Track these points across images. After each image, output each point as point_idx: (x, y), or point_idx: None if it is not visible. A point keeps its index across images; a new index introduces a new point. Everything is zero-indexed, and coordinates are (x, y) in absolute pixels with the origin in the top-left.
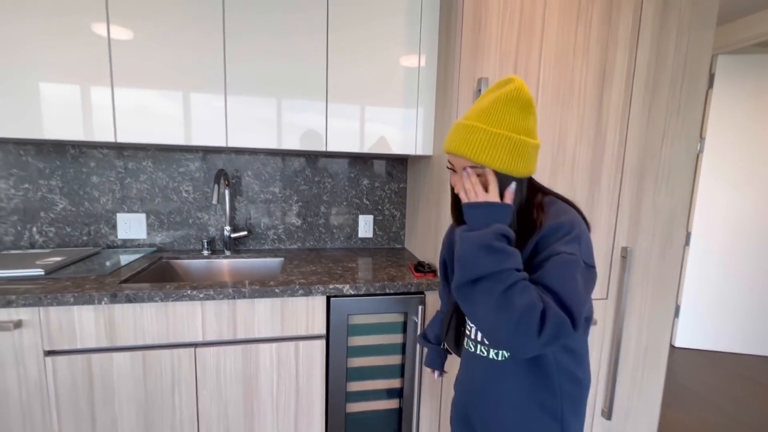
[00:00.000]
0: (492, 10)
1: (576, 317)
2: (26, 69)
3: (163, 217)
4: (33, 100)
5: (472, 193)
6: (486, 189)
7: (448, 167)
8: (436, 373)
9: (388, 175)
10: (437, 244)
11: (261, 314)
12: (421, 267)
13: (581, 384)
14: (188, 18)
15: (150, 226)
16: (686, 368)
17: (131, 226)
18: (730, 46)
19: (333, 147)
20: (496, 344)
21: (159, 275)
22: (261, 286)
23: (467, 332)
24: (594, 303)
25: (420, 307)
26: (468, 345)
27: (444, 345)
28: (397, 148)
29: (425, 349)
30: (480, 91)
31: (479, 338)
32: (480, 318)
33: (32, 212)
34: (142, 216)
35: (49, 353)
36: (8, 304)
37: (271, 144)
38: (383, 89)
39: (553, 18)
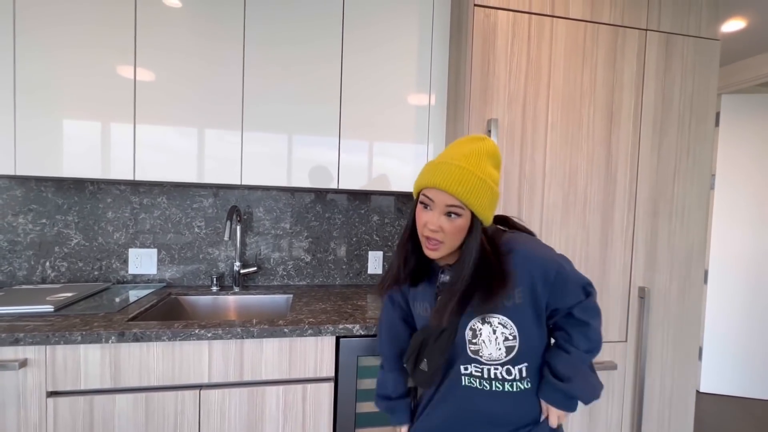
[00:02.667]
0: (500, 55)
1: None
2: (52, 108)
3: (174, 252)
4: (57, 138)
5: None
6: (461, 230)
7: (421, 201)
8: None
9: (397, 211)
10: None
11: (269, 355)
12: None
13: None
14: (209, 52)
15: (161, 261)
16: (714, 416)
17: (142, 261)
18: (734, 86)
19: (345, 184)
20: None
21: (167, 312)
22: (270, 326)
23: (475, 375)
24: (612, 346)
25: None
26: (481, 385)
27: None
28: (407, 185)
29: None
30: (490, 131)
31: (495, 376)
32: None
33: (47, 247)
34: (154, 251)
35: (52, 394)
36: (16, 342)
37: (285, 182)
38: (394, 126)
39: (559, 62)
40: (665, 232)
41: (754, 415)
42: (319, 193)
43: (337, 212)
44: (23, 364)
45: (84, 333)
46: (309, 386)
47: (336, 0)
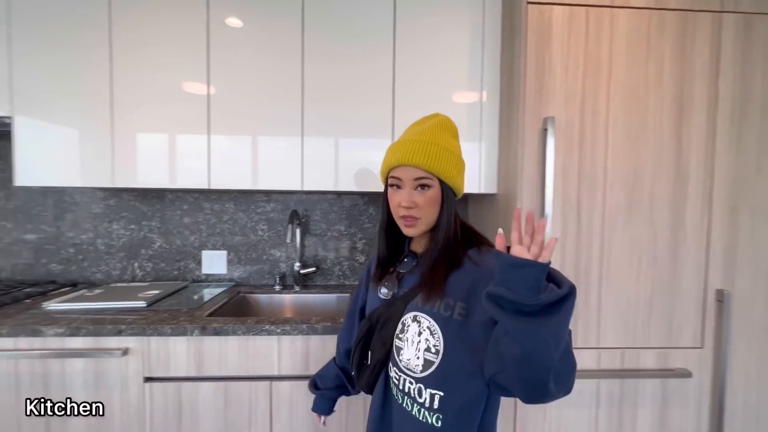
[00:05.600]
0: (555, 53)
1: None
2: (139, 125)
3: (241, 253)
4: (133, 152)
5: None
6: (435, 202)
7: (391, 184)
8: (323, 418)
9: None
10: None
11: (331, 351)
12: None
13: None
14: (272, 68)
15: (230, 262)
16: None
17: (214, 262)
18: None
19: None
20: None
21: (238, 309)
22: (332, 323)
23: (395, 381)
24: (686, 352)
25: None
26: (397, 396)
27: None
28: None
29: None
30: (546, 130)
31: (409, 391)
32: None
33: (135, 249)
34: (223, 253)
35: (148, 379)
36: (119, 333)
37: (343, 186)
38: None
39: (621, 55)
40: (747, 230)
41: None
42: (371, 196)
43: None
44: (125, 352)
45: (173, 326)
46: None
47: (387, 7)
